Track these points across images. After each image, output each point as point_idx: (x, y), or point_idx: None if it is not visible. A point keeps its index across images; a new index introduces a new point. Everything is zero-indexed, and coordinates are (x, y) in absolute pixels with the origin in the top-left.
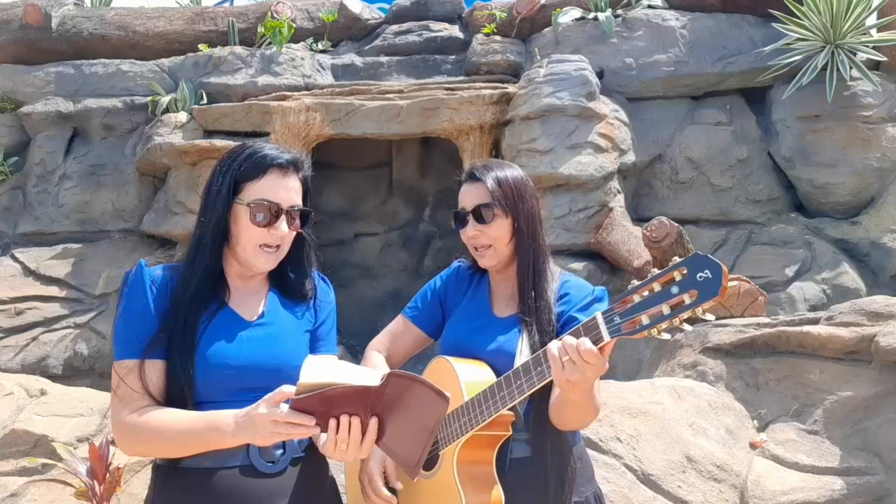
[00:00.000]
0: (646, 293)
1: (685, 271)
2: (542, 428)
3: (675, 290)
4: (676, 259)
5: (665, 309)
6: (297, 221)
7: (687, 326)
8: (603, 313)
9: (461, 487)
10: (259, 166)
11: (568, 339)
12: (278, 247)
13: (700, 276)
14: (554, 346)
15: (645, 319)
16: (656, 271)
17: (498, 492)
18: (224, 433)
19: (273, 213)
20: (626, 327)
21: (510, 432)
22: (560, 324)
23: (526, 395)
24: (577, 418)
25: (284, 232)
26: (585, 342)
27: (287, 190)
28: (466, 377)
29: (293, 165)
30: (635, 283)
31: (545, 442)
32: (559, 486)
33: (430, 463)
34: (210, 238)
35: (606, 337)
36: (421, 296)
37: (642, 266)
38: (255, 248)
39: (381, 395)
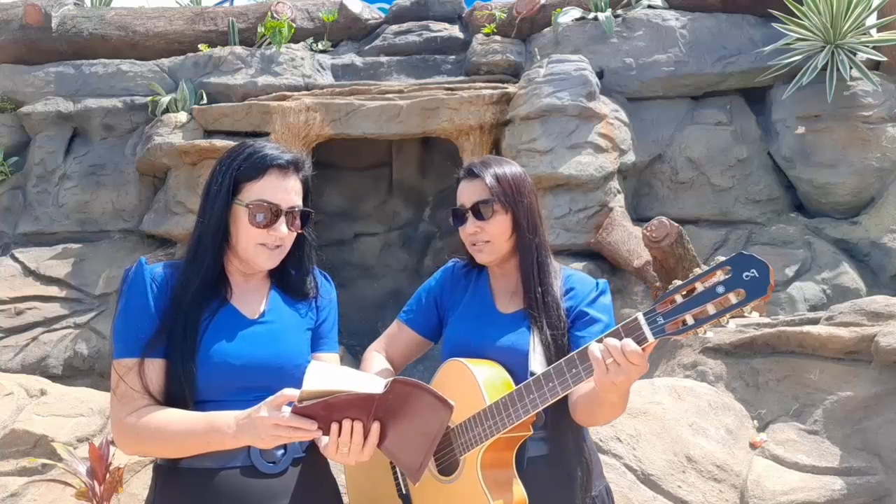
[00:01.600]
0: (686, 293)
1: (729, 270)
2: (560, 426)
3: (720, 289)
4: (720, 258)
5: (710, 309)
6: (298, 222)
7: (731, 325)
8: (645, 314)
9: (488, 492)
10: (258, 166)
11: (610, 340)
12: (279, 246)
13: (746, 276)
14: (596, 348)
15: (689, 319)
16: (704, 268)
17: (520, 490)
18: (225, 434)
19: (272, 213)
20: (670, 328)
21: (531, 432)
22: (570, 319)
23: (559, 397)
24: (608, 415)
25: (284, 233)
26: (630, 343)
27: (287, 191)
28: (484, 378)
29: (293, 166)
30: (677, 282)
31: (564, 439)
32: (581, 480)
33: (451, 468)
34: (210, 238)
35: (650, 337)
36: (416, 299)
37: (642, 266)
38: (256, 247)
39: (384, 401)
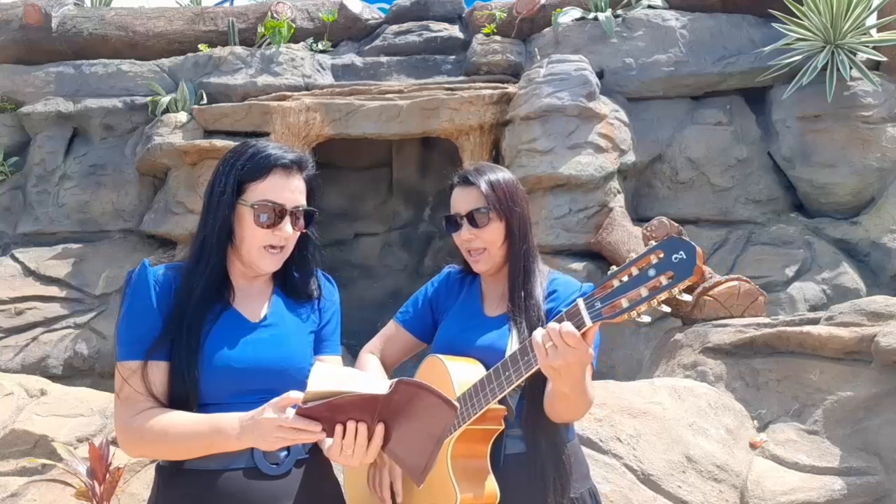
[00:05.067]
0: (624, 278)
1: (661, 254)
2: (535, 424)
3: (651, 272)
4: (653, 243)
5: (643, 291)
6: (302, 222)
7: (664, 308)
8: (584, 299)
9: (455, 482)
10: (262, 166)
11: (551, 325)
12: (282, 248)
13: (675, 258)
14: (538, 333)
15: (624, 303)
16: (633, 257)
17: (492, 485)
18: (229, 437)
19: (277, 214)
20: (607, 311)
21: (503, 426)
22: (549, 320)
23: (514, 385)
24: (570, 410)
25: (289, 233)
26: (567, 325)
27: (291, 190)
28: (458, 375)
29: (297, 165)
30: (615, 268)
31: (539, 438)
32: (556, 481)
33: None
34: (215, 239)
35: (588, 321)
36: (412, 301)
37: None
38: (260, 249)
39: (388, 402)
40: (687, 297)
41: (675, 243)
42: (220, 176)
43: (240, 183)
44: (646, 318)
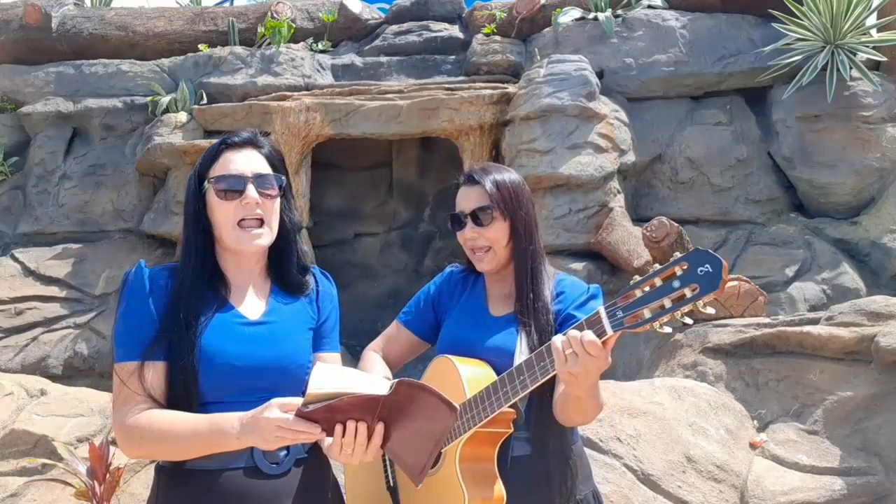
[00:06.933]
0: (647, 288)
1: (686, 266)
2: (543, 426)
3: (676, 284)
4: (678, 255)
5: (667, 302)
6: (275, 189)
7: (688, 320)
8: (605, 307)
9: (464, 484)
10: (213, 150)
11: (572, 332)
12: (261, 221)
13: (701, 271)
14: (558, 339)
15: (647, 313)
16: (658, 267)
17: (500, 488)
18: (229, 436)
19: (235, 181)
20: (629, 321)
21: (512, 430)
22: (558, 322)
23: (529, 390)
24: (581, 414)
25: (255, 197)
26: (588, 334)
27: (245, 161)
28: (468, 374)
29: (249, 142)
30: (637, 278)
31: (546, 440)
32: (562, 483)
33: (434, 460)
34: (192, 233)
35: (609, 330)
36: (414, 301)
37: (642, 266)
38: (235, 228)
39: (389, 402)
40: (710, 310)
41: (700, 256)
42: (190, 179)
43: (200, 175)
44: (667, 329)
